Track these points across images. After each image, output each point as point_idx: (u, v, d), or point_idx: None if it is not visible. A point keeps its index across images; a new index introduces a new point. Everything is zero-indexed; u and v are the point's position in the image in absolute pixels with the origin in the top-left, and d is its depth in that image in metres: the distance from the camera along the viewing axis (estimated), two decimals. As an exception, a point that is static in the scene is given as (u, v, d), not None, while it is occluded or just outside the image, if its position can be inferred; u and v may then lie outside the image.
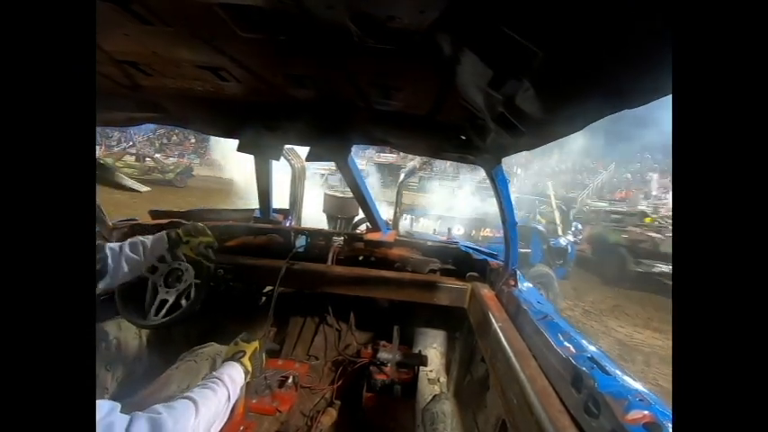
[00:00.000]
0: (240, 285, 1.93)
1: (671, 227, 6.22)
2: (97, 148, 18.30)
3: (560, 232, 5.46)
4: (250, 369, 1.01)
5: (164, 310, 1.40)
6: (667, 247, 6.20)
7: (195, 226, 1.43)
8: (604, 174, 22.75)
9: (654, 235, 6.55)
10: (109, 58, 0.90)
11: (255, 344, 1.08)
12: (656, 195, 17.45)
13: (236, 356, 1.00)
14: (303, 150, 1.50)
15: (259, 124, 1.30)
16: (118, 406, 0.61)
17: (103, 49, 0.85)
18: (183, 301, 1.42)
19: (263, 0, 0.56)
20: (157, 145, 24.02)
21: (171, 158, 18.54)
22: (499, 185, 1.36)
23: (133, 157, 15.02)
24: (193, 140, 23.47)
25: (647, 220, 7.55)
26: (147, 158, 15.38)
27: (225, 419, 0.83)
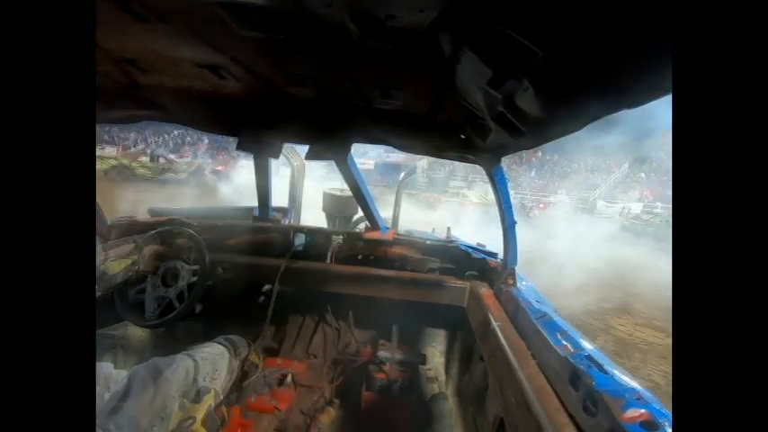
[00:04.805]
0: (239, 284, 1.93)
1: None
2: (114, 148, 18.19)
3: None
4: None
5: (162, 309, 1.41)
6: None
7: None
8: (617, 173, 22.29)
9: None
10: (107, 56, 0.90)
11: (208, 399, 0.95)
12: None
13: (182, 427, 0.85)
14: (303, 149, 1.50)
15: (258, 123, 1.30)
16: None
17: (102, 47, 0.85)
18: (177, 303, 1.43)
19: None
20: (171, 145, 24.03)
21: (185, 159, 18.69)
22: (498, 185, 1.36)
23: (147, 158, 15.39)
24: (207, 141, 23.55)
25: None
26: (162, 158, 15.65)
27: None
